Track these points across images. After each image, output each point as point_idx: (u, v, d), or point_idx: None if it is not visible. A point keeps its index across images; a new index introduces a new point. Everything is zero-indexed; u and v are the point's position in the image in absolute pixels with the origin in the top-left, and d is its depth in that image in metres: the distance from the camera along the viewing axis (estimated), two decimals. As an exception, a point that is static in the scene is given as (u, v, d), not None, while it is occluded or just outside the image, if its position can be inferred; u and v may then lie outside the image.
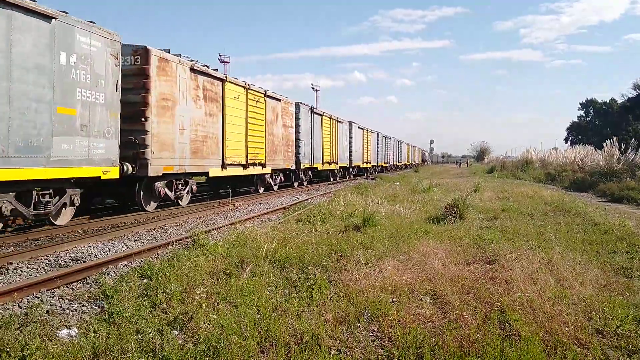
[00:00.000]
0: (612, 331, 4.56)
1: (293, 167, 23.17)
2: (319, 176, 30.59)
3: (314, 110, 26.85)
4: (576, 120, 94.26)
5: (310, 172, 26.96)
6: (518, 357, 3.88)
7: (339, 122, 32.67)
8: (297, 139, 23.86)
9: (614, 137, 29.04)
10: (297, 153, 23.67)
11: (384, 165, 52.40)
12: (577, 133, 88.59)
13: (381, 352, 4.20)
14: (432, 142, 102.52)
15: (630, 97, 78.63)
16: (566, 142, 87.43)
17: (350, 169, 36.79)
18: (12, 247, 8.43)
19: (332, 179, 31.71)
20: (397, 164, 64.44)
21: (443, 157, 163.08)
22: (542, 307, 4.95)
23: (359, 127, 38.61)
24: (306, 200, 17.65)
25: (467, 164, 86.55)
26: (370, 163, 43.38)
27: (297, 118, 23.79)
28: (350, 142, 35.51)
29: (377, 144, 47.89)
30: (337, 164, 31.31)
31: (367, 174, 42.16)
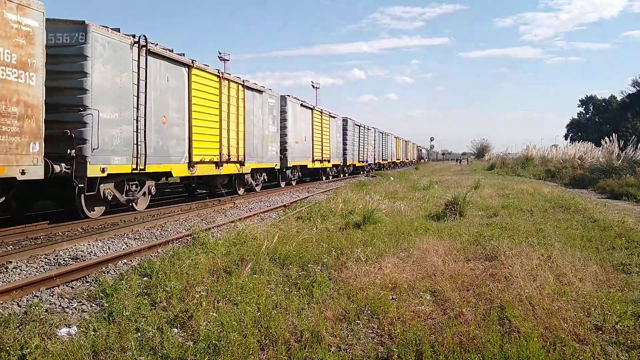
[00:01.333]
0: (610, 327, 4.57)
1: (22, 174, 8.38)
2: (208, 186, 17.06)
3: (156, 51, 12.25)
4: (576, 117, 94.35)
5: (136, 180, 12.25)
6: (517, 353, 3.88)
7: (249, 89, 17.50)
8: (78, 108, 10.05)
9: (614, 134, 29.06)
10: (76, 139, 9.91)
11: (358, 164, 38.07)
12: (577, 130, 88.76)
13: (381, 349, 4.20)
14: (432, 139, 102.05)
15: (629, 93, 78.67)
16: (566, 139, 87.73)
17: (286, 171, 22.22)
18: (11, 246, 8.43)
19: (240, 190, 17.68)
20: (382, 162, 49.93)
21: (443, 154, 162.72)
22: (541, 304, 4.96)
23: (303, 106, 24.37)
24: (306, 197, 17.66)
25: (468, 161, 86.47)
26: (328, 161, 28.90)
27: (74, 56, 10.08)
28: (282, 129, 21.28)
29: (345, 134, 33.89)
30: (242, 164, 17.00)
31: (325, 177, 29.69)
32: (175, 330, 4.55)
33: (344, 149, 34.02)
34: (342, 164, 33.47)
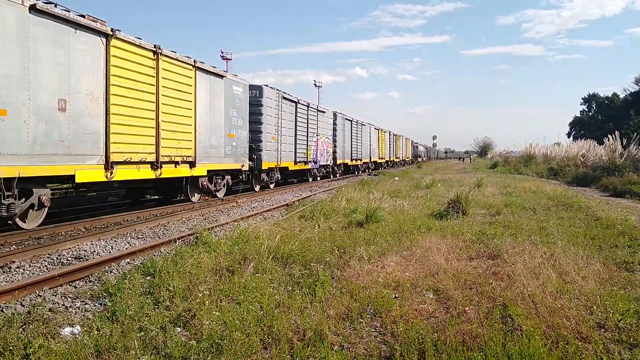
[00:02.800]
0: (613, 325, 4.57)
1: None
2: None
3: None
4: (579, 115, 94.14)
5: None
6: (520, 351, 3.88)
7: None
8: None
9: (616, 132, 28.95)
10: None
11: (297, 167, 23.51)
12: (580, 128, 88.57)
13: (384, 348, 4.21)
14: (434, 137, 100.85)
15: (632, 91, 78.46)
16: (569, 136, 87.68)
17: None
18: (14, 246, 8.46)
19: None
20: (352, 162, 35.43)
21: (446, 152, 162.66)
22: (544, 302, 4.96)
23: (55, 18, 8.94)
24: (309, 196, 17.66)
25: (470, 159, 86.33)
26: (190, 164, 13.66)
27: None
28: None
29: (258, 115, 18.82)
30: None
31: (193, 196, 14.80)
32: (179, 329, 4.56)
33: (254, 141, 18.26)
34: (245, 168, 17.30)
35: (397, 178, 26.82)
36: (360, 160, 38.12)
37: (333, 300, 5.22)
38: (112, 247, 8.47)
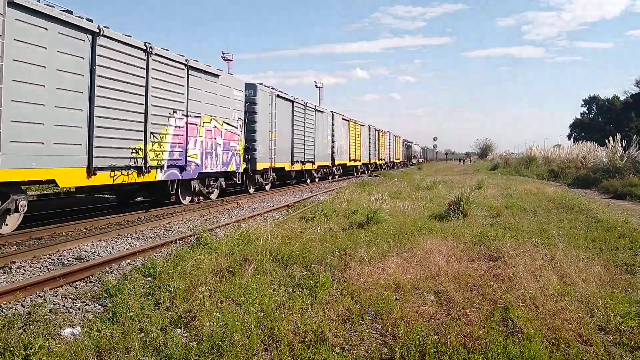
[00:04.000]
0: (614, 328, 4.56)
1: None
2: None
3: None
4: (579, 117, 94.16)
5: None
6: (521, 353, 3.88)
7: None
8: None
9: (617, 134, 28.97)
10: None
11: (93, 180, 9.62)
12: (581, 130, 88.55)
13: (384, 350, 4.20)
14: (435, 139, 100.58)
15: (632, 93, 78.47)
16: (569, 138, 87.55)
17: None
18: (15, 246, 8.45)
19: None
20: (298, 166, 22.57)
21: (446, 153, 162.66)
22: (545, 304, 4.96)
23: None
24: (310, 197, 17.67)
25: (470, 161, 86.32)
26: None
27: None
28: None
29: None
30: None
31: None
32: (179, 330, 4.55)
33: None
34: None
35: (396, 179, 26.82)
36: (313, 163, 24.94)
37: (334, 301, 5.22)
38: (112, 248, 8.46)
